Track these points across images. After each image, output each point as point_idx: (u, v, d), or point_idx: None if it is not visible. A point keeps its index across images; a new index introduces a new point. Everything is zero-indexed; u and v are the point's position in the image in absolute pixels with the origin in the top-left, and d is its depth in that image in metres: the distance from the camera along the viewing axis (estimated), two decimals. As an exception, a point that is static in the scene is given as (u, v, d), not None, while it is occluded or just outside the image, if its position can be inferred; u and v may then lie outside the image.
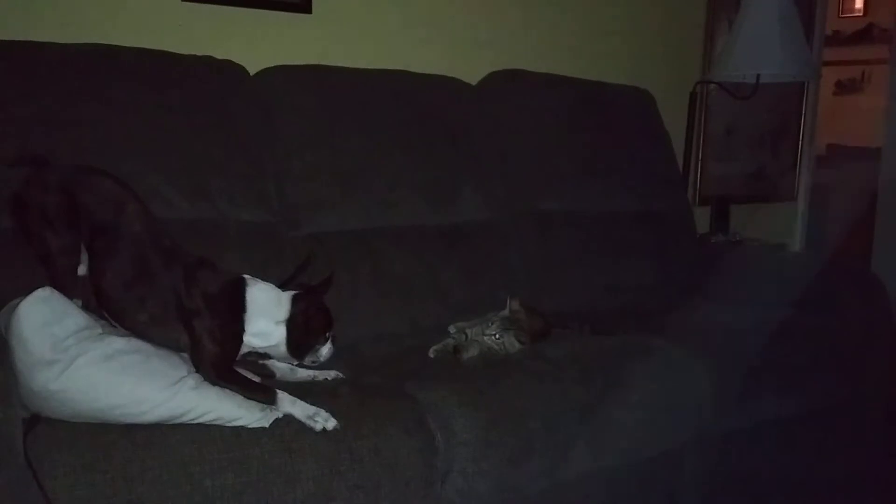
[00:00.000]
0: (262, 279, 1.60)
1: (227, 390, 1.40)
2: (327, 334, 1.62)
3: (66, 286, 1.45)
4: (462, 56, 2.71)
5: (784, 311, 2.32)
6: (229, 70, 2.16)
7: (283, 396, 1.44)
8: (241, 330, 1.52)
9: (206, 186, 2.00)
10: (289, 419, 1.41)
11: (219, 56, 2.15)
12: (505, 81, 2.64)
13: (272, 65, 2.24)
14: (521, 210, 2.53)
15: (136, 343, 1.39)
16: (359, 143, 2.25)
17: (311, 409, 1.44)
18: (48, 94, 1.87)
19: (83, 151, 1.85)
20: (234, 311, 1.51)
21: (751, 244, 3.22)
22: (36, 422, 1.29)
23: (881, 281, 2.54)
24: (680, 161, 3.10)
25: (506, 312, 1.98)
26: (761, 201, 3.73)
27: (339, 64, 2.33)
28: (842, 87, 6.00)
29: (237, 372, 1.48)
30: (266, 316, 1.54)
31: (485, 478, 1.59)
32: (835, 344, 2.30)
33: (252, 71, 2.21)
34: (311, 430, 1.42)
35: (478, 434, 1.58)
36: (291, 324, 1.55)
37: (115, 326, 1.49)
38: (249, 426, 1.38)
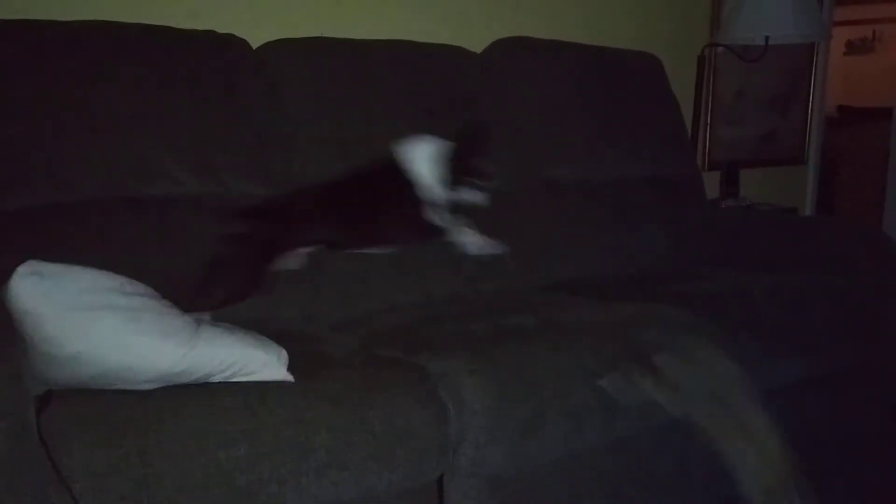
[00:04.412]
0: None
1: (241, 337, 1.42)
2: (470, 178, 1.91)
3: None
4: (465, 24, 2.69)
5: (796, 274, 2.31)
6: (232, 44, 2.14)
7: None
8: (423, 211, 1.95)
9: (213, 162, 2.00)
10: (304, 391, 1.42)
11: (220, 30, 2.13)
12: (510, 49, 2.61)
13: (273, 38, 2.22)
14: (530, 179, 2.51)
15: (147, 299, 1.39)
16: (364, 115, 2.23)
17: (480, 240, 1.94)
18: (52, 73, 1.86)
19: (90, 130, 1.86)
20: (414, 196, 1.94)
21: (761, 208, 3.20)
22: (49, 399, 1.30)
23: (893, 242, 2.52)
24: (689, 126, 3.08)
25: None
26: (771, 165, 3.71)
27: (341, 35, 2.31)
28: (852, 47, 5.93)
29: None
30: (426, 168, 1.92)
31: (497, 446, 1.59)
32: (849, 307, 2.29)
33: (254, 45, 2.19)
34: (331, 399, 1.44)
35: (489, 403, 1.58)
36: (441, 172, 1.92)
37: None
38: (269, 370, 1.40)
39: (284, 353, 1.45)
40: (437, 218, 1.98)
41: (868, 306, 2.34)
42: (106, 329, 1.30)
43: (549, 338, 1.79)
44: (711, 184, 3.20)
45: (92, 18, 1.97)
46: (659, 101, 2.88)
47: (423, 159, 1.91)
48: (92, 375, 1.32)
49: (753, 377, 2.05)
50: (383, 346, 1.75)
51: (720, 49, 3.30)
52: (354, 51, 2.30)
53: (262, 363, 1.41)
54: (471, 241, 1.97)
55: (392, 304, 2.09)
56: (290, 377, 1.44)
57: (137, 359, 1.31)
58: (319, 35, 2.28)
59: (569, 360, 1.74)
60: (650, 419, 1.87)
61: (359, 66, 2.28)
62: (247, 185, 2.04)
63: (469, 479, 1.61)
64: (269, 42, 2.22)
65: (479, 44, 2.60)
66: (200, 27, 2.10)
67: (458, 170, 1.89)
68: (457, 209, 1.97)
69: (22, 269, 1.30)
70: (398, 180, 1.92)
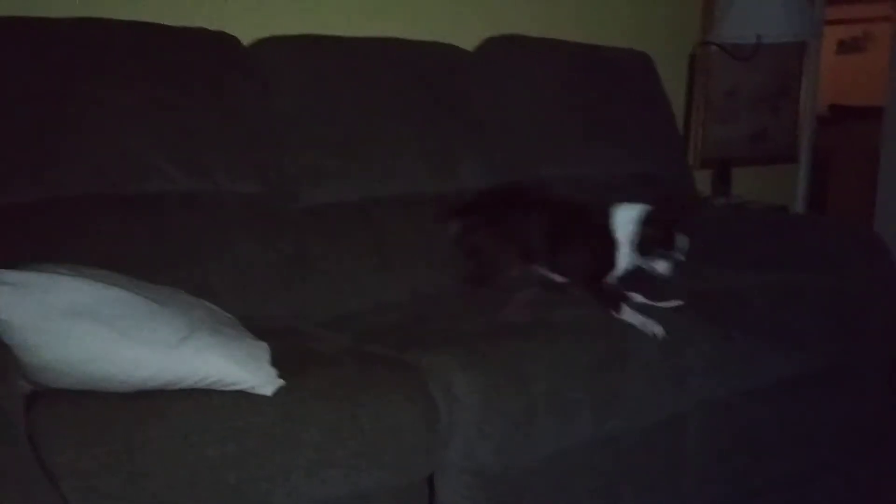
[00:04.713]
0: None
1: (229, 351, 1.38)
2: (663, 251, 1.97)
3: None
4: (457, 22, 2.68)
5: (787, 272, 2.31)
6: (223, 41, 2.13)
7: (627, 308, 1.89)
8: (612, 260, 2.03)
9: (204, 160, 1.99)
10: (291, 387, 1.41)
11: (211, 27, 2.12)
12: (502, 47, 2.61)
13: (264, 35, 2.22)
14: (523, 177, 2.51)
15: (127, 305, 1.36)
16: (356, 113, 2.23)
17: (644, 318, 1.88)
18: (39, 70, 1.85)
19: (79, 129, 1.85)
20: (607, 241, 2.02)
21: (752, 207, 3.20)
22: (36, 398, 1.29)
23: (884, 241, 2.53)
24: (681, 124, 3.08)
25: None
26: (763, 163, 3.71)
27: (331, 32, 2.30)
28: (844, 47, 5.93)
29: (603, 286, 2.00)
30: (625, 236, 2.02)
31: (487, 441, 1.59)
32: (839, 305, 2.29)
33: (245, 42, 2.18)
34: (320, 396, 1.43)
35: (480, 398, 1.58)
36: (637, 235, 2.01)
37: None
38: (250, 391, 1.37)
39: (274, 374, 1.41)
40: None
41: (859, 304, 2.34)
42: (81, 338, 1.27)
43: (540, 334, 1.79)
44: (703, 182, 3.20)
45: (82, 15, 1.96)
46: (650, 100, 2.88)
47: (623, 221, 2.02)
48: (72, 383, 1.30)
49: (747, 374, 2.07)
50: (373, 343, 1.75)
51: (712, 48, 3.30)
52: (346, 48, 2.30)
53: (249, 386, 1.37)
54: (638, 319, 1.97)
55: (382, 301, 2.08)
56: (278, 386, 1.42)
57: (116, 368, 1.29)
58: (310, 33, 2.27)
59: (560, 356, 1.74)
60: (641, 416, 1.88)
61: (351, 64, 2.28)
62: (239, 183, 2.03)
63: (460, 476, 1.61)
64: (261, 39, 2.21)
65: (471, 41, 2.60)
66: (191, 24, 2.09)
67: (651, 239, 1.98)
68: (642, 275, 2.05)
69: None
70: (603, 229, 2.04)
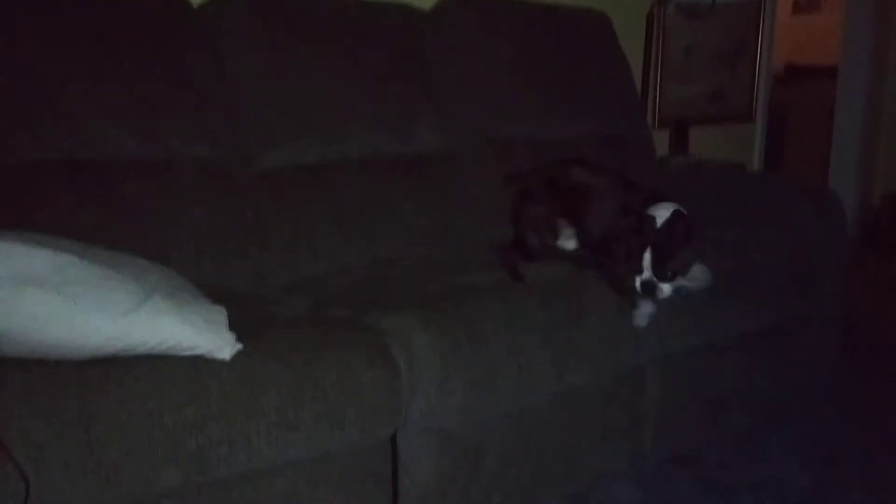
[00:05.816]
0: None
1: (185, 316, 1.35)
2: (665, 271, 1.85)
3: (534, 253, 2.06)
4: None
5: (743, 229, 2.33)
6: (171, 2, 2.08)
7: (646, 304, 1.88)
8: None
9: (155, 124, 1.95)
10: (249, 350, 1.39)
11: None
12: (459, 7, 2.58)
13: (214, -4, 2.17)
14: (480, 138, 2.50)
15: (80, 270, 1.33)
16: (310, 74, 2.19)
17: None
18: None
19: (23, 91, 1.79)
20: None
21: (709, 165, 3.23)
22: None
23: (839, 198, 2.56)
24: (638, 84, 3.08)
25: None
26: (720, 122, 3.74)
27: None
28: (799, 6, 5.97)
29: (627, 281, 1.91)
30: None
31: (448, 400, 1.60)
32: (794, 261, 2.33)
33: (194, 3, 2.13)
34: (280, 360, 1.42)
35: (440, 357, 1.58)
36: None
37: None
38: (208, 356, 1.35)
39: (232, 338, 1.39)
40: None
41: (814, 260, 2.38)
42: (31, 306, 1.23)
43: (499, 292, 1.79)
44: (661, 141, 3.22)
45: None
46: (609, 59, 2.87)
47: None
48: (23, 352, 1.27)
49: (703, 330, 2.09)
50: (333, 306, 1.74)
51: (669, 6, 3.30)
52: (299, 8, 2.25)
53: (206, 350, 1.35)
54: (642, 312, 1.90)
55: (341, 265, 2.07)
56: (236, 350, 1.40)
57: (69, 335, 1.26)
58: None
59: (519, 313, 1.75)
60: (600, 372, 1.90)
61: (304, 24, 2.24)
62: (192, 147, 1.99)
63: (422, 436, 1.62)
64: (210, 1, 2.16)
65: (427, 1, 2.56)
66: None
67: (661, 259, 1.84)
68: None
69: None
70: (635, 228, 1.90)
